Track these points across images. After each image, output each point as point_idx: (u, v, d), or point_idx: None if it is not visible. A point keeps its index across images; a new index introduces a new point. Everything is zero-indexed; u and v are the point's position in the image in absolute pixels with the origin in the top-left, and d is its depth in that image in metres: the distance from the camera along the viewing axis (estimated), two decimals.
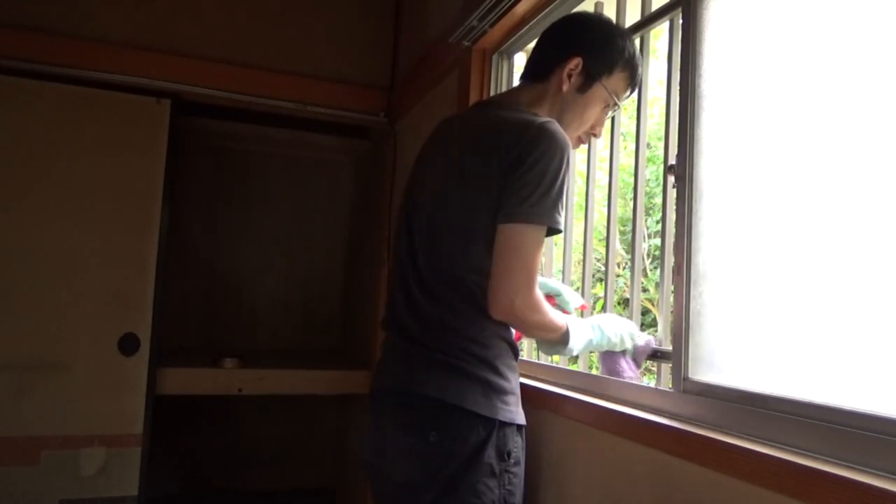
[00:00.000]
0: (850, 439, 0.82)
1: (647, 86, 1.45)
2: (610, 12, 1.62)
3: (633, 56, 1.30)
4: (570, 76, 1.26)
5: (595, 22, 1.31)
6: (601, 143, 1.70)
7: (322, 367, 2.71)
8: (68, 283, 2.28)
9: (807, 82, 0.98)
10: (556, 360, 1.76)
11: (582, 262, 1.64)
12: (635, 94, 1.41)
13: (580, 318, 1.33)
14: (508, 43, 1.95)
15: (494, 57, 2.01)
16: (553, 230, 1.14)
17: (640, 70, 1.34)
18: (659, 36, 2.21)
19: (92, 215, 2.32)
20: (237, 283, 3.29)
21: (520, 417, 1.21)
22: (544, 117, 1.20)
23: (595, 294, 3.65)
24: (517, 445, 1.19)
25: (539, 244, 1.13)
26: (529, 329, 1.22)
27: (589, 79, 1.27)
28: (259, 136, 3.15)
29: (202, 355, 2.72)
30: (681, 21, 1.25)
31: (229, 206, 3.30)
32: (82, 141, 2.33)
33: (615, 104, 1.32)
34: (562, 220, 1.15)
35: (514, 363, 1.25)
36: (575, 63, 1.25)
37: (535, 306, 1.15)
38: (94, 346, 2.28)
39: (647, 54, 1.46)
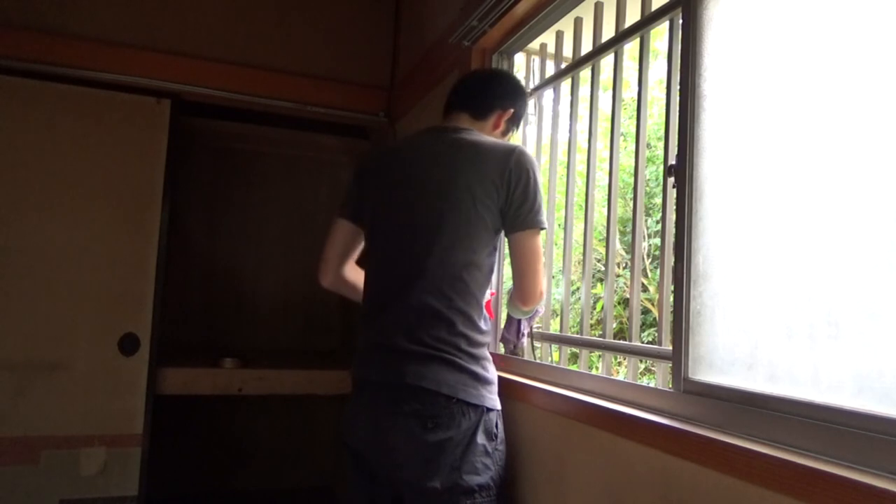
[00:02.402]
0: (850, 439, 0.82)
1: (647, 86, 1.46)
2: (610, 12, 1.62)
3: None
4: (502, 121, 1.56)
5: (520, 84, 1.64)
6: (601, 144, 1.70)
7: (322, 367, 2.71)
8: (68, 284, 2.28)
9: (807, 82, 0.98)
10: (556, 360, 1.76)
11: (582, 262, 1.65)
12: (635, 93, 1.45)
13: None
14: (508, 43, 1.95)
15: (494, 57, 2.01)
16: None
17: None
18: (659, 36, 2.21)
19: (92, 215, 2.33)
20: (237, 283, 3.29)
21: (499, 404, 1.40)
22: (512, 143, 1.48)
23: (595, 294, 3.63)
24: (499, 427, 1.39)
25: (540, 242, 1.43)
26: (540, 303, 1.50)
27: (509, 124, 1.59)
28: (259, 136, 3.15)
29: (202, 355, 2.72)
30: (681, 21, 1.25)
31: (229, 206, 3.30)
32: (82, 141, 2.34)
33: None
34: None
35: (490, 356, 1.44)
36: (510, 113, 1.56)
37: (545, 287, 1.49)
38: (94, 346, 2.29)
39: (648, 54, 1.46)
